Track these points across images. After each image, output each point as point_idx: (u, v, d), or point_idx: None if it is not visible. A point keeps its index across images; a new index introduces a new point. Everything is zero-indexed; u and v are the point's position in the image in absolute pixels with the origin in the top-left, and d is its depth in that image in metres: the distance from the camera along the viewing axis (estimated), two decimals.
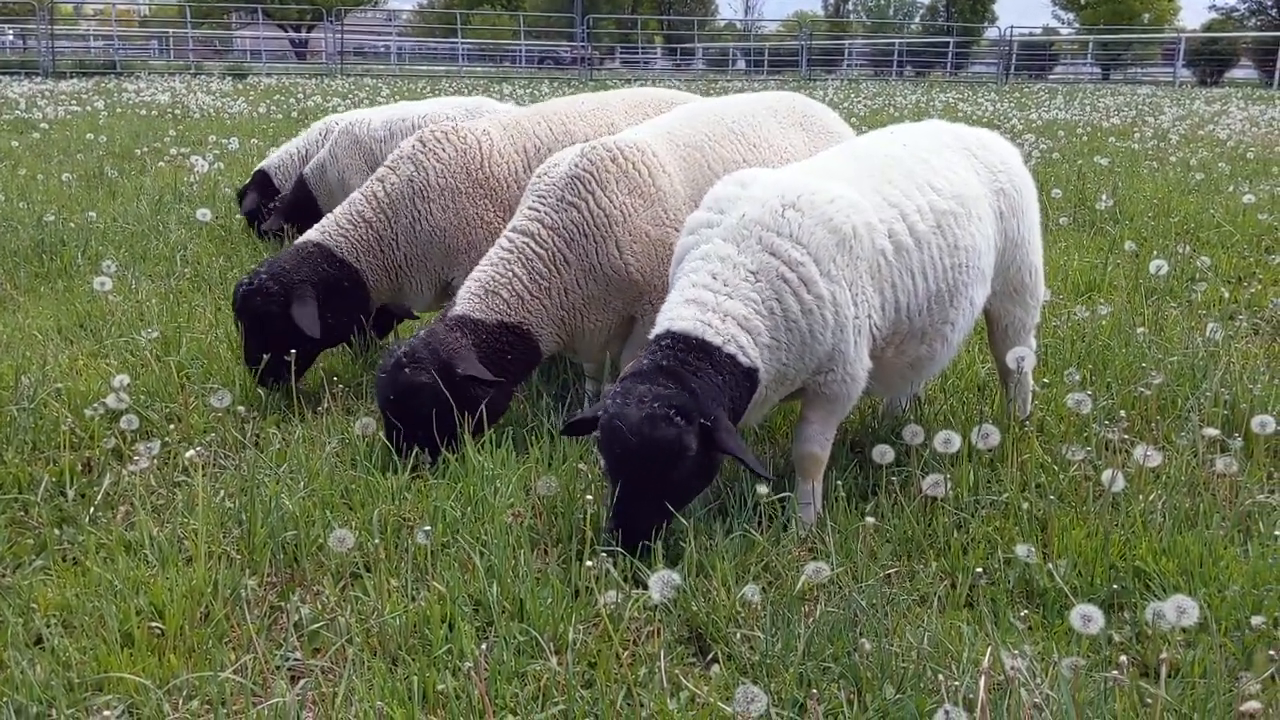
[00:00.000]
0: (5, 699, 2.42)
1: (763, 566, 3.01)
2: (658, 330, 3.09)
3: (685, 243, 3.28)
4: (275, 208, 7.06)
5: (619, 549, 2.94)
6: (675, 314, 3.08)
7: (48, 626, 2.74)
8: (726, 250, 3.13)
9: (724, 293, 3.07)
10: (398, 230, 4.43)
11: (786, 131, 4.37)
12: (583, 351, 4.03)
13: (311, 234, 4.47)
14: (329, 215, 4.53)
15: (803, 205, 3.16)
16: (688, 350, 2.99)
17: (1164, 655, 2.39)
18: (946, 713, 2.09)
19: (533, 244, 3.77)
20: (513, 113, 4.97)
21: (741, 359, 3.04)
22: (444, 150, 4.46)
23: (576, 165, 3.81)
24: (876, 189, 3.34)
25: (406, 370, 3.57)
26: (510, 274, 3.75)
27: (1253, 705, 2.15)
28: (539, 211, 3.81)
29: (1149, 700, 2.35)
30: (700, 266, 3.14)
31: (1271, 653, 2.40)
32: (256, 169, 7.74)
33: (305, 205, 6.71)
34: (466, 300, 3.76)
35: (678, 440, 2.88)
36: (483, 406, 3.63)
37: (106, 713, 2.05)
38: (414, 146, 4.51)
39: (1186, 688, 2.47)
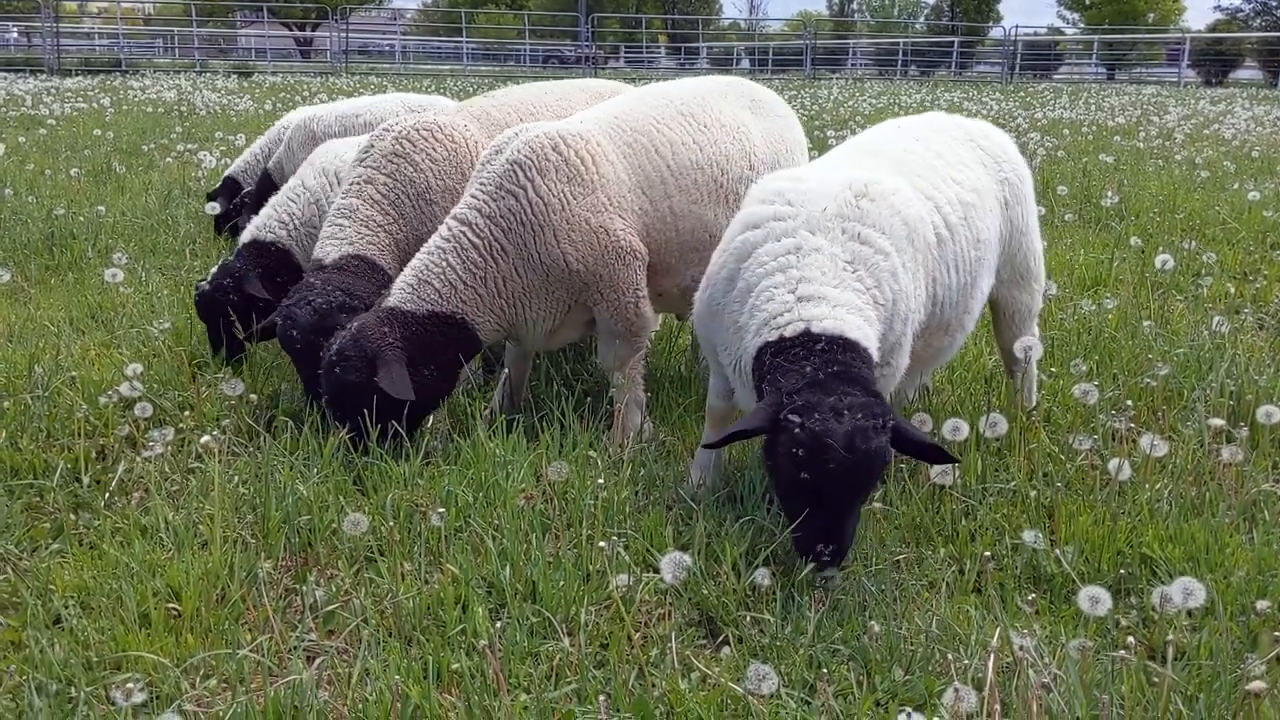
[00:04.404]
0: (26, 677, 2.46)
1: (772, 552, 3.03)
2: (789, 331, 2.90)
3: (748, 238, 3.14)
4: (244, 204, 7.03)
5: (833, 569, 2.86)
6: (807, 314, 2.91)
7: (66, 607, 2.78)
8: (817, 242, 3.03)
9: (836, 285, 2.97)
10: (409, 234, 4.33)
11: (738, 113, 4.31)
12: (528, 341, 4.00)
13: (336, 247, 4.20)
14: (335, 226, 4.27)
15: (874, 195, 3.11)
16: (844, 349, 2.86)
17: (1170, 638, 2.42)
18: (956, 690, 2.12)
19: (469, 233, 3.73)
20: (478, 104, 4.86)
21: (873, 353, 2.96)
22: (436, 150, 4.35)
23: (517, 153, 3.77)
24: (910, 182, 3.31)
25: (336, 370, 3.56)
26: (444, 263, 3.71)
27: (1258, 685, 2.18)
28: (478, 200, 3.78)
29: (1156, 680, 2.37)
30: (794, 262, 3.01)
31: (1277, 634, 2.42)
32: (225, 175, 7.71)
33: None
34: (400, 290, 3.73)
35: (887, 449, 2.78)
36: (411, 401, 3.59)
37: (130, 685, 2.07)
38: (399, 145, 4.33)
39: (1193, 669, 2.50)
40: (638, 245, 3.86)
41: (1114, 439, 3.70)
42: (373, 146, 4.40)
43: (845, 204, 3.08)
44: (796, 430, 2.70)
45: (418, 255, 3.81)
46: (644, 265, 3.90)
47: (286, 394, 4.29)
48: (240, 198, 7.20)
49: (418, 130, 4.38)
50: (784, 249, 3.04)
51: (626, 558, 2.93)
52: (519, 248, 3.72)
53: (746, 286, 3.09)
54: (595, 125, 3.95)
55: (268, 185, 6.80)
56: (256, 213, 6.76)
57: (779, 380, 2.84)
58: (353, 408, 3.58)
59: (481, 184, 3.81)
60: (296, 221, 4.76)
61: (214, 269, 4.67)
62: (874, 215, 3.07)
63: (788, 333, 2.91)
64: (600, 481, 3.23)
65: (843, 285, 2.97)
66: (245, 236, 4.80)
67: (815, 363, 2.83)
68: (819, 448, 2.68)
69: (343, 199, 4.35)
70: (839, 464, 2.68)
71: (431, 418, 3.88)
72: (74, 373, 4.27)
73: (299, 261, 4.68)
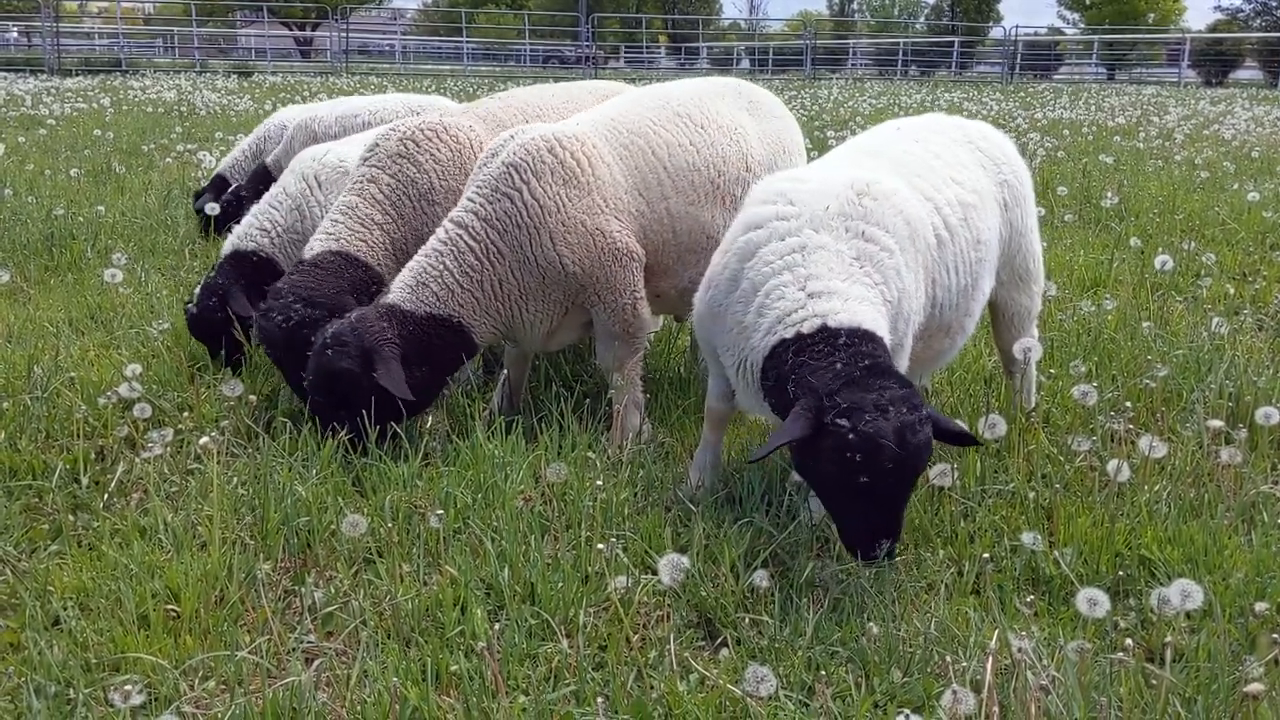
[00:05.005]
0: (25, 679, 2.46)
1: (771, 553, 3.03)
2: (806, 327, 2.90)
3: (751, 238, 3.12)
4: (243, 196, 6.94)
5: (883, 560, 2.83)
6: (821, 308, 2.91)
7: (65, 609, 2.78)
8: (822, 240, 3.02)
9: (845, 280, 2.96)
10: (407, 233, 4.31)
11: (735, 114, 4.29)
12: (525, 342, 3.99)
13: (322, 243, 4.22)
14: (330, 222, 4.29)
15: (876, 194, 3.11)
16: (865, 340, 2.86)
17: (1169, 640, 2.42)
18: (954, 693, 2.12)
19: (465, 236, 3.74)
20: (484, 105, 4.83)
21: (889, 345, 2.96)
22: (440, 150, 4.35)
23: (513, 155, 3.77)
24: (909, 183, 3.31)
25: (329, 354, 3.56)
26: (441, 266, 3.72)
27: (1256, 687, 2.18)
28: (475, 202, 3.78)
29: (1154, 682, 2.37)
30: (800, 260, 3.00)
31: (1275, 636, 2.42)
32: (214, 174, 7.64)
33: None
34: (399, 290, 3.74)
35: (931, 437, 2.80)
36: (403, 397, 3.58)
37: (128, 687, 2.08)
38: (403, 145, 4.32)
39: (1190, 671, 2.50)
40: (634, 247, 3.86)
41: (1113, 440, 3.70)
42: (378, 146, 4.40)
43: (848, 202, 3.08)
44: (850, 435, 2.69)
45: (416, 256, 3.81)
46: (641, 267, 3.90)
47: (285, 395, 4.28)
48: (232, 193, 7.11)
49: (422, 131, 4.38)
50: (789, 248, 3.04)
51: (625, 559, 2.93)
52: (515, 250, 3.72)
53: (751, 286, 3.08)
54: (591, 127, 3.95)
55: (266, 180, 6.74)
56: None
57: (809, 380, 2.82)
58: (339, 394, 3.59)
59: (478, 187, 3.81)
60: (279, 229, 4.77)
61: (197, 288, 4.67)
62: (877, 214, 3.08)
63: (805, 329, 2.91)
64: (599, 483, 3.23)
65: (851, 279, 2.98)
66: (227, 247, 4.80)
67: (844, 358, 2.83)
68: (873, 449, 2.67)
69: (344, 196, 4.36)
70: (895, 461, 2.69)
71: (431, 418, 3.88)
72: (73, 373, 4.27)
73: (283, 269, 4.68)
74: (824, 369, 2.82)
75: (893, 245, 3.06)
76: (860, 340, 2.86)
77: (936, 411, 2.88)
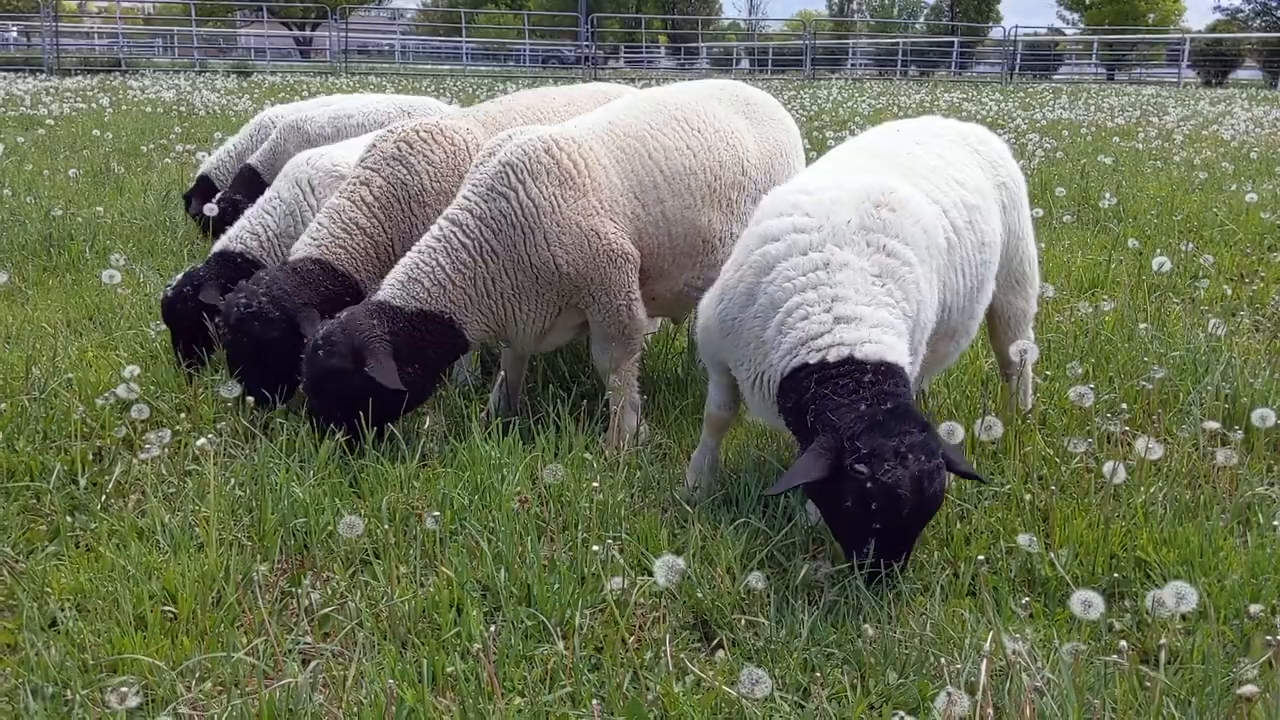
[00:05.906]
0: (22, 680, 2.46)
1: (767, 555, 3.04)
2: (831, 355, 2.89)
3: (768, 251, 3.08)
4: (238, 201, 6.86)
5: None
6: (849, 337, 2.90)
7: (62, 610, 2.78)
8: (845, 256, 2.99)
9: (870, 303, 2.95)
10: (394, 237, 4.31)
11: (731, 117, 4.30)
12: (518, 343, 4.00)
13: (305, 247, 4.26)
14: (316, 224, 4.32)
15: (893, 204, 3.08)
16: (888, 377, 2.87)
17: (1163, 641, 2.43)
18: (949, 694, 2.12)
19: (460, 233, 3.76)
20: (485, 108, 4.85)
21: (908, 371, 2.97)
22: (434, 152, 4.35)
23: (510, 154, 3.79)
24: (916, 185, 3.29)
25: (320, 354, 3.61)
26: (434, 262, 3.74)
27: (1249, 689, 2.18)
28: (470, 200, 3.80)
29: (1148, 684, 2.38)
30: (824, 278, 2.97)
31: (1269, 638, 2.43)
32: (199, 174, 7.58)
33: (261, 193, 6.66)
34: (389, 286, 3.76)
35: (945, 480, 2.86)
36: (395, 395, 3.61)
37: (125, 688, 2.08)
38: (398, 148, 4.33)
39: (1185, 673, 2.50)
40: (629, 248, 3.86)
41: (1109, 442, 3.71)
42: (375, 147, 4.40)
43: (867, 215, 3.05)
44: (868, 484, 2.72)
45: (409, 253, 3.84)
46: (636, 269, 3.90)
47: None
48: (226, 199, 7.06)
49: (418, 132, 4.39)
50: (811, 264, 3.00)
51: (621, 561, 2.94)
52: (509, 249, 3.73)
53: (770, 302, 3.05)
54: (589, 130, 3.96)
55: (255, 181, 6.67)
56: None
57: (830, 418, 2.82)
58: (331, 394, 3.63)
59: (474, 185, 3.83)
60: (271, 234, 4.80)
61: (178, 275, 4.71)
62: (897, 226, 3.05)
63: (830, 357, 2.89)
64: (596, 484, 3.23)
65: (875, 302, 2.97)
66: (216, 246, 4.82)
67: (867, 397, 2.83)
68: (891, 499, 2.72)
69: (335, 198, 4.38)
70: (911, 509, 2.75)
71: (428, 419, 3.89)
72: (71, 374, 4.28)
73: None
74: (847, 407, 2.82)
75: (913, 259, 3.05)
76: (885, 377, 2.87)
77: (952, 451, 2.91)
